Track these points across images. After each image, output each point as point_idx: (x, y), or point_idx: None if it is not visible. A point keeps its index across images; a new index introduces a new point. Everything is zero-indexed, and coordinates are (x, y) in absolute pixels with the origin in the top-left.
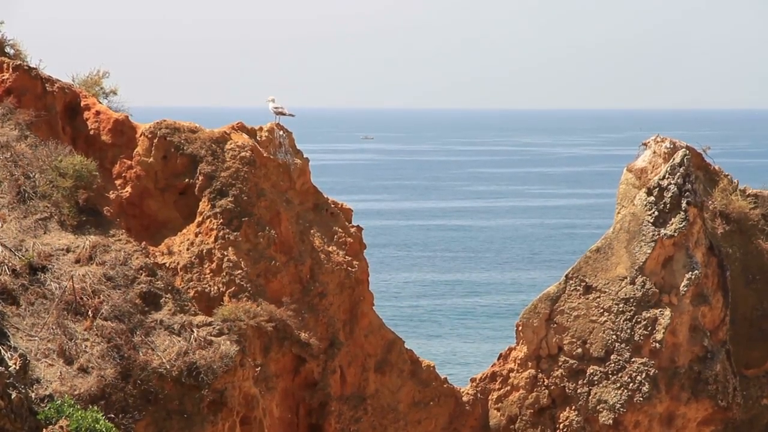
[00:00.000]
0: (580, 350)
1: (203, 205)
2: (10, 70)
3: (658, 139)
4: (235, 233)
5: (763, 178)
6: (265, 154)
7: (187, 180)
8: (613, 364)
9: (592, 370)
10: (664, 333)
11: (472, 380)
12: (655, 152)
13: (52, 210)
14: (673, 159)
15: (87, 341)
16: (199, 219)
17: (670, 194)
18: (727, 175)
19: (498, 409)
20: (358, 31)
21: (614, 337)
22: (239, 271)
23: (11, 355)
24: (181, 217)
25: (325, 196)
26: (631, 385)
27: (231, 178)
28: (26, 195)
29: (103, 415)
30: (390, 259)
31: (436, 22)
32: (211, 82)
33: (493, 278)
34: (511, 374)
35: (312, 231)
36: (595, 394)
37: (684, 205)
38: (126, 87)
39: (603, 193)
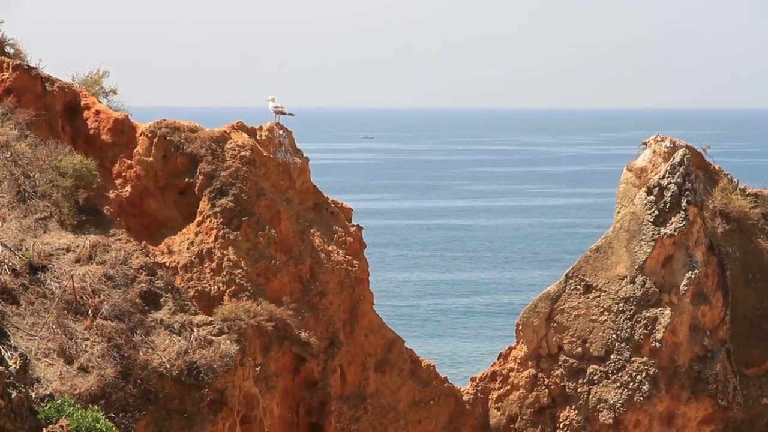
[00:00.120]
0: (580, 349)
1: (203, 205)
2: (10, 69)
3: (658, 139)
4: (235, 232)
5: (763, 177)
6: (265, 154)
7: (187, 179)
8: (613, 364)
9: (592, 370)
10: (664, 332)
11: (472, 379)
12: (655, 151)
13: (52, 209)
14: (673, 158)
15: (87, 341)
16: (199, 218)
17: (670, 193)
18: (727, 175)
19: (498, 409)
20: (358, 31)
21: (614, 336)
22: (239, 271)
23: (11, 354)
24: (181, 216)
25: (325, 196)
26: (631, 384)
27: (231, 178)
28: (26, 194)
29: (103, 415)
30: (390, 259)
31: (436, 22)
32: (211, 82)
33: (493, 278)
34: (511, 373)
35: (312, 230)
36: (595, 393)
37: (684, 204)
38: (126, 87)
39: (603, 192)
